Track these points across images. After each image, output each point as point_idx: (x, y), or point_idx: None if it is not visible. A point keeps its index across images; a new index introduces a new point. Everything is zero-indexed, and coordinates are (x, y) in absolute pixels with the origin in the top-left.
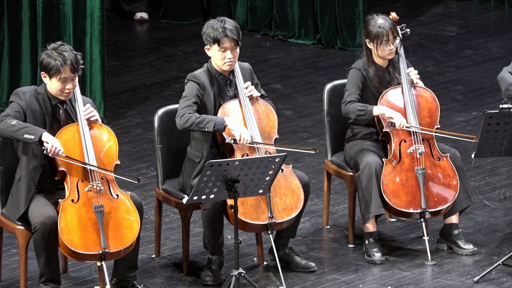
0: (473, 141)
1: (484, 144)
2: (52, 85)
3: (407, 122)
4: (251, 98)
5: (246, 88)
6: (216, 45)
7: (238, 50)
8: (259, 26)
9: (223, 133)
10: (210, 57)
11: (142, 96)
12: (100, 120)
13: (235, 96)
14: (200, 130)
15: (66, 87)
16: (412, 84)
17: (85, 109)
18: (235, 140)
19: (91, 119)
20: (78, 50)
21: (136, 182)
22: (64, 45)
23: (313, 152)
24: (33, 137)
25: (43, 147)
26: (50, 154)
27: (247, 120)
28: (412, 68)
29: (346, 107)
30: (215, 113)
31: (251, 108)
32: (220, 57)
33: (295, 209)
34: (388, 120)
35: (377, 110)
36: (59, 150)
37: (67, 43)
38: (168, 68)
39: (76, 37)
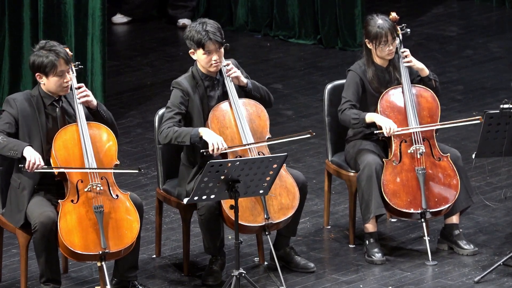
0: (479, 122)
1: (484, 144)
2: (51, 82)
3: (401, 121)
4: (235, 82)
5: (228, 65)
6: (200, 49)
7: (222, 50)
8: (260, 26)
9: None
10: (195, 60)
11: (142, 96)
12: (94, 102)
13: (223, 95)
14: (180, 144)
15: (65, 80)
16: (413, 84)
17: (78, 92)
18: (207, 151)
19: (82, 99)
20: (79, 50)
21: (137, 171)
22: (50, 41)
23: (309, 135)
24: (16, 153)
25: (21, 165)
26: (28, 170)
27: (238, 122)
28: (406, 50)
29: (341, 116)
30: (205, 117)
31: (242, 110)
32: (205, 60)
33: (291, 208)
34: (375, 132)
35: (369, 117)
36: (38, 165)
37: (68, 43)
38: (169, 68)
39: (78, 37)
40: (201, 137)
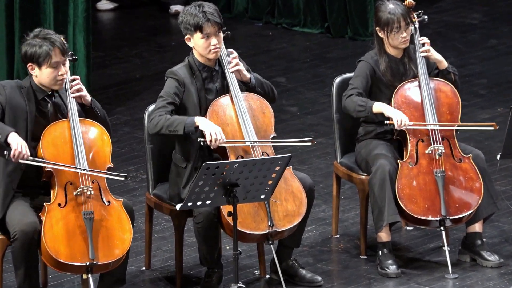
0: (492, 129)
1: (511, 144)
2: (44, 74)
3: (418, 118)
4: (237, 76)
5: (230, 60)
6: (198, 33)
7: (221, 35)
8: (261, 14)
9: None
10: (191, 49)
11: (131, 90)
12: (89, 97)
13: (222, 88)
14: (171, 134)
15: (59, 73)
16: (431, 77)
17: (71, 84)
18: (204, 141)
19: (75, 94)
20: None
21: (122, 179)
22: (45, 29)
23: (310, 144)
24: None
25: (5, 153)
26: (13, 160)
27: (240, 117)
28: (425, 38)
29: (346, 101)
30: (201, 110)
31: (244, 104)
32: (204, 45)
33: (298, 216)
34: (385, 122)
35: (377, 107)
36: (24, 154)
37: None
38: (160, 59)
39: (58, 26)
40: (196, 127)
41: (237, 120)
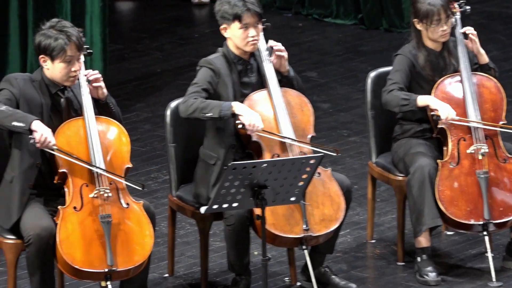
0: None
1: None
2: (56, 68)
3: (460, 116)
4: (277, 65)
5: (275, 44)
6: (236, 23)
7: (260, 27)
8: (290, 3)
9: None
10: (225, 40)
11: (151, 86)
12: (105, 91)
13: (259, 82)
14: (204, 118)
15: (72, 69)
16: (473, 72)
17: (90, 74)
18: (243, 125)
19: (95, 84)
20: None
21: (140, 189)
22: (62, 21)
23: (335, 154)
24: (22, 124)
25: (31, 137)
26: (38, 146)
27: (277, 114)
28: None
29: (387, 95)
30: None
31: (282, 100)
32: (241, 36)
33: (335, 221)
34: (432, 113)
35: (422, 100)
36: (49, 142)
37: None
38: (182, 53)
39: (74, 17)
40: (233, 113)
41: (274, 117)
